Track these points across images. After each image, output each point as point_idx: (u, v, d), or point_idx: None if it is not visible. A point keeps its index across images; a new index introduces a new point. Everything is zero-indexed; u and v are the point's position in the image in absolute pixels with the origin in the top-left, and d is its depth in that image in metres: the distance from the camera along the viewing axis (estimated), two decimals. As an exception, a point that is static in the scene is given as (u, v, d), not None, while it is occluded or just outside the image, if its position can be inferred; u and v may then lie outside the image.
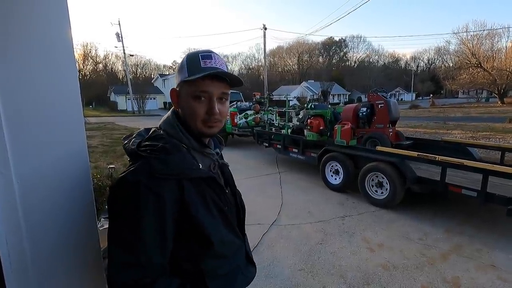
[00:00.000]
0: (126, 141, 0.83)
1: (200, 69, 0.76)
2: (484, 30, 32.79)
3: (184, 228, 0.74)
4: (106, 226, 2.36)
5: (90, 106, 40.71)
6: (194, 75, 0.75)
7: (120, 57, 46.05)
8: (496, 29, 33.39)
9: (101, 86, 44.07)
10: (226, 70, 0.79)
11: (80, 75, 42.37)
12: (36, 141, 0.84)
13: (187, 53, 0.83)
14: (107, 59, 55.32)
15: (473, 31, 32.92)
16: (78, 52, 44.27)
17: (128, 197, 0.70)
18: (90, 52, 50.03)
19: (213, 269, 0.79)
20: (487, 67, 30.00)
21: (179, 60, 0.91)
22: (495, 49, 32.65)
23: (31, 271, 0.85)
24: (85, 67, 47.93)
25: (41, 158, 0.85)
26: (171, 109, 0.87)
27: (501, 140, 8.58)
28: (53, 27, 0.86)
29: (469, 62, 31.55)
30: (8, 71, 0.77)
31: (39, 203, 0.85)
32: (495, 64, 29.76)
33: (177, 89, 0.82)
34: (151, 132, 0.82)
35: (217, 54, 0.81)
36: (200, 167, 0.79)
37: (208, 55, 0.79)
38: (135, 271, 0.69)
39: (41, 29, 0.83)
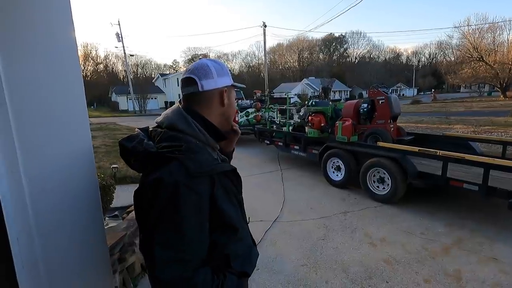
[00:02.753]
0: (133, 143, 0.82)
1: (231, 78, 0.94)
2: (485, 24, 32.54)
3: (213, 220, 0.79)
4: (111, 225, 2.38)
5: (92, 107, 40.85)
6: (235, 83, 0.94)
7: (121, 57, 46.17)
8: (498, 22, 33.10)
9: (102, 87, 44.23)
10: None
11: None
12: (43, 141, 0.86)
13: (214, 59, 0.92)
14: (108, 60, 55.50)
15: (475, 25, 32.67)
16: (78, 53, 44.37)
17: (168, 198, 0.73)
18: (90, 52, 50.24)
19: (235, 251, 0.86)
20: (489, 61, 29.78)
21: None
22: (497, 43, 32.41)
23: (41, 268, 0.87)
24: (85, 68, 48.10)
25: (48, 157, 0.88)
26: (175, 106, 0.89)
27: (503, 134, 8.55)
28: (57, 30, 0.89)
29: (471, 56, 31.32)
30: (15, 74, 0.79)
31: (48, 202, 0.88)
32: (497, 58, 29.53)
33: (226, 89, 0.92)
34: (161, 133, 0.83)
35: None
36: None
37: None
38: (179, 267, 0.73)
39: (46, 33, 0.86)
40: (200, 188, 0.75)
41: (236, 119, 8.96)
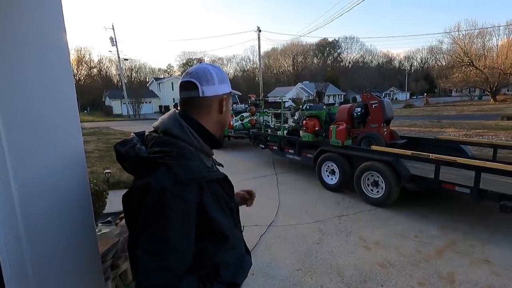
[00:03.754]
0: (126, 148, 0.82)
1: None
2: (475, 29, 33.30)
3: (201, 227, 0.77)
4: (104, 231, 2.34)
5: (85, 111, 40.45)
6: (233, 91, 0.94)
7: (115, 62, 45.99)
8: (487, 28, 33.89)
9: (96, 91, 43.86)
10: None
11: (74, 80, 42.10)
12: (33, 146, 0.85)
13: (214, 65, 0.92)
14: (101, 64, 55.13)
15: (465, 30, 33.42)
16: (72, 57, 44.04)
17: (154, 204, 0.71)
18: (84, 57, 49.89)
19: (225, 260, 0.84)
20: (479, 66, 30.42)
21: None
22: (487, 48, 33.16)
23: (30, 276, 0.85)
24: (79, 72, 47.73)
25: (39, 163, 0.86)
26: (171, 112, 0.88)
27: (493, 137, 8.70)
28: (48, 32, 0.88)
29: (461, 61, 31.97)
30: (4, 76, 0.78)
31: (37, 208, 0.86)
32: (487, 63, 30.19)
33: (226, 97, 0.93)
34: (155, 137, 0.82)
35: None
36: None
37: None
38: (164, 274, 0.71)
39: (36, 35, 0.85)
40: (188, 195, 0.73)
41: (231, 123, 8.96)
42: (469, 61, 31.12)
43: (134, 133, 0.88)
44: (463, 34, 33.08)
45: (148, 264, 0.71)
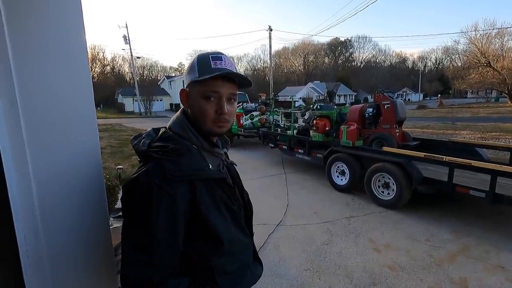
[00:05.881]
0: (135, 141, 0.85)
1: (210, 70, 0.77)
2: (493, 29, 32.28)
3: (194, 228, 0.76)
4: (116, 225, 2.39)
5: (98, 108, 41.23)
6: (205, 76, 0.76)
7: (127, 60, 46.74)
8: (506, 28, 32.80)
9: (109, 88, 44.73)
10: (235, 71, 0.81)
11: (89, 77, 43.19)
12: (52, 140, 0.87)
13: (197, 55, 0.84)
14: (115, 62, 56.16)
15: (483, 30, 32.44)
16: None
17: (141, 198, 0.72)
18: (97, 54, 50.94)
19: (222, 266, 0.81)
20: (496, 67, 29.49)
21: (185, 62, 0.95)
22: (505, 48, 32.11)
23: (47, 266, 0.88)
24: (93, 69, 48.76)
25: (57, 157, 0.89)
26: (179, 110, 0.88)
27: (510, 140, 8.44)
28: (69, 32, 0.90)
29: (478, 62, 31.04)
30: (27, 74, 0.80)
31: (55, 201, 0.88)
32: (505, 64, 29.23)
33: (187, 89, 0.84)
34: (161, 132, 0.84)
35: (226, 56, 0.82)
36: (210, 167, 0.81)
37: (218, 56, 0.80)
38: (146, 269, 0.71)
39: (58, 35, 0.87)
40: (175, 192, 0.72)
41: (241, 122, 8.99)
42: (486, 62, 30.21)
43: (153, 128, 0.89)
44: (480, 34, 32.16)
45: (131, 256, 0.72)
